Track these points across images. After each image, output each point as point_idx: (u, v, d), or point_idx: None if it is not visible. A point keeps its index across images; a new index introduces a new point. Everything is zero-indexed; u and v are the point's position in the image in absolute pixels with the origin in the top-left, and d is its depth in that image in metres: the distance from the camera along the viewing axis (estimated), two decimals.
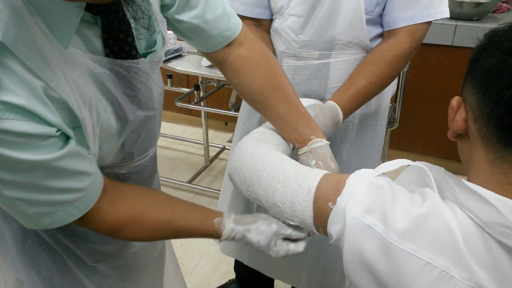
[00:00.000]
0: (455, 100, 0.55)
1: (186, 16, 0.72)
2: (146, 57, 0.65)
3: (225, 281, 1.73)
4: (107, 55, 0.59)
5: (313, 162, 0.76)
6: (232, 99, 2.03)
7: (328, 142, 0.79)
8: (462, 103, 0.55)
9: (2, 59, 0.45)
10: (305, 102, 0.97)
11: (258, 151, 0.73)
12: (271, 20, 1.08)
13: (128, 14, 0.61)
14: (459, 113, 0.55)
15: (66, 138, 0.54)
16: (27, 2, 0.47)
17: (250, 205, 1.29)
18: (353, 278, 0.55)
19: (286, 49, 1.05)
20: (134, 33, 0.63)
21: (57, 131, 0.52)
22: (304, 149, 0.78)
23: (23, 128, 0.48)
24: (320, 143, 0.77)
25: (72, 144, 0.54)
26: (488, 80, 0.49)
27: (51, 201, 0.55)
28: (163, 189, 2.45)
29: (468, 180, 0.54)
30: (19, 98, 0.46)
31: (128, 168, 0.75)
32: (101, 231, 0.66)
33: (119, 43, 0.60)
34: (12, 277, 0.75)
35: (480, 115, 0.51)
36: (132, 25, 0.62)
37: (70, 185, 0.56)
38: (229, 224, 0.72)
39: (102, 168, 0.66)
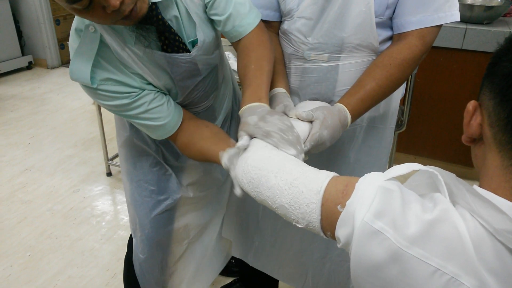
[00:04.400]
0: (471, 104, 0.54)
1: (210, 14, 0.96)
2: (193, 47, 0.96)
3: (230, 281, 1.73)
4: (163, 49, 0.92)
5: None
6: (240, 99, 2.03)
7: (265, 105, 0.85)
8: (478, 108, 0.54)
9: (110, 58, 0.89)
10: (313, 104, 0.97)
11: (265, 152, 0.73)
12: (280, 22, 1.08)
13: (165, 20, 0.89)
14: (474, 117, 0.54)
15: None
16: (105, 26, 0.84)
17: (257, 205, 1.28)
18: (360, 282, 0.55)
19: (294, 52, 1.05)
20: (181, 30, 0.94)
21: (138, 91, 0.92)
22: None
23: (118, 89, 0.90)
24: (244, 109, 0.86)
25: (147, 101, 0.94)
26: (507, 84, 0.48)
27: (146, 125, 0.96)
28: None
29: (480, 185, 0.54)
30: (116, 75, 0.90)
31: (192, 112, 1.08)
32: (177, 147, 1.02)
33: (168, 40, 0.92)
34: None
35: (496, 120, 0.50)
36: (175, 27, 0.92)
37: (152, 120, 0.96)
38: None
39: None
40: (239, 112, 0.86)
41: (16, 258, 1.92)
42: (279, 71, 1.04)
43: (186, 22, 0.94)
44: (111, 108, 0.94)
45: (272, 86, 1.01)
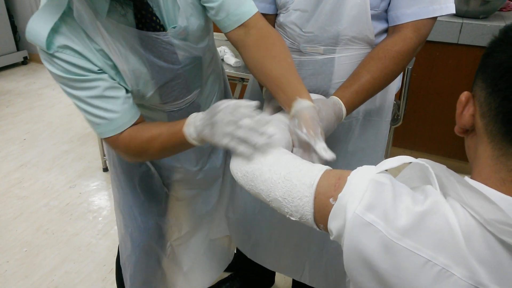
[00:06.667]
0: (464, 95, 0.55)
1: (203, 1, 0.91)
2: (169, 30, 0.89)
3: (227, 275, 1.73)
4: (138, 27, 0.86)
5: (304, 130, 0.77)
6: (236, 94, 2.02)
7: (313, 104, 0.81)
8: (471, 98, 0.54)
9: (74, 27, 0.80)
10: None
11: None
12: (276, 15, 1.08)
13: None
14: (467, 108, 0.54)
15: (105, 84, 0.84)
16: None
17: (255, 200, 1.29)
18: (353, 274, 0.55)
19: (290, 44, 1.05)
20: (161, 12, 0.87)
21: (98, 70, 0.83)
22: (291, 113, 0.82)
23: (76, 61, 0.81)
24: (303, 104, 0.80)
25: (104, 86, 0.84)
26: (498, 75, 0.49)
27: (93, 113, 0.85)
28: None
29: (472, 176, 0.54)
30: (78, 46, 0.81)
31: (171, 108, 1.03)
32: (119, 147, 0.90)
33: (144, 19, 0.85)
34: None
35: (487, 110, 0.50)
36: (154, 7, 0.86)
37: (101, 110, 0.85)
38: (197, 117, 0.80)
39: (153, 105, 1.01)
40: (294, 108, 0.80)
41: (13, 254, 1.92)
42: None
43: (170, 5, 0.88)
44: (62, 81, 0.83)
45: None
